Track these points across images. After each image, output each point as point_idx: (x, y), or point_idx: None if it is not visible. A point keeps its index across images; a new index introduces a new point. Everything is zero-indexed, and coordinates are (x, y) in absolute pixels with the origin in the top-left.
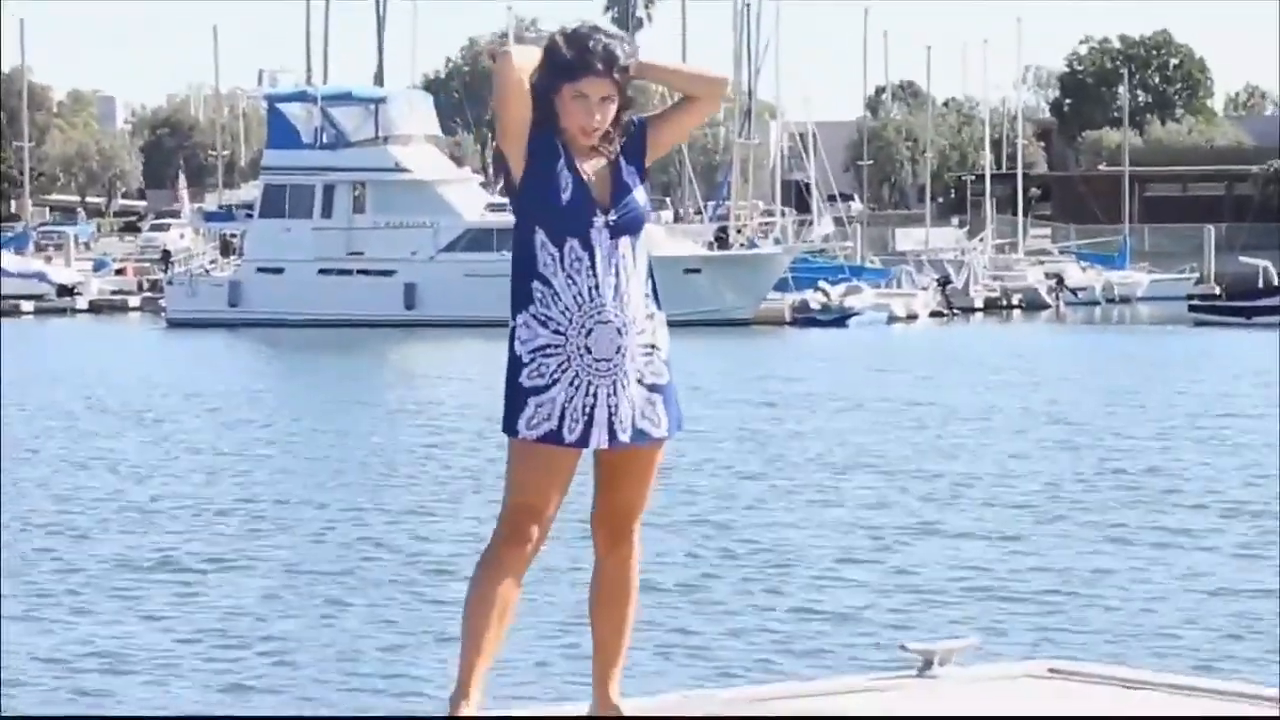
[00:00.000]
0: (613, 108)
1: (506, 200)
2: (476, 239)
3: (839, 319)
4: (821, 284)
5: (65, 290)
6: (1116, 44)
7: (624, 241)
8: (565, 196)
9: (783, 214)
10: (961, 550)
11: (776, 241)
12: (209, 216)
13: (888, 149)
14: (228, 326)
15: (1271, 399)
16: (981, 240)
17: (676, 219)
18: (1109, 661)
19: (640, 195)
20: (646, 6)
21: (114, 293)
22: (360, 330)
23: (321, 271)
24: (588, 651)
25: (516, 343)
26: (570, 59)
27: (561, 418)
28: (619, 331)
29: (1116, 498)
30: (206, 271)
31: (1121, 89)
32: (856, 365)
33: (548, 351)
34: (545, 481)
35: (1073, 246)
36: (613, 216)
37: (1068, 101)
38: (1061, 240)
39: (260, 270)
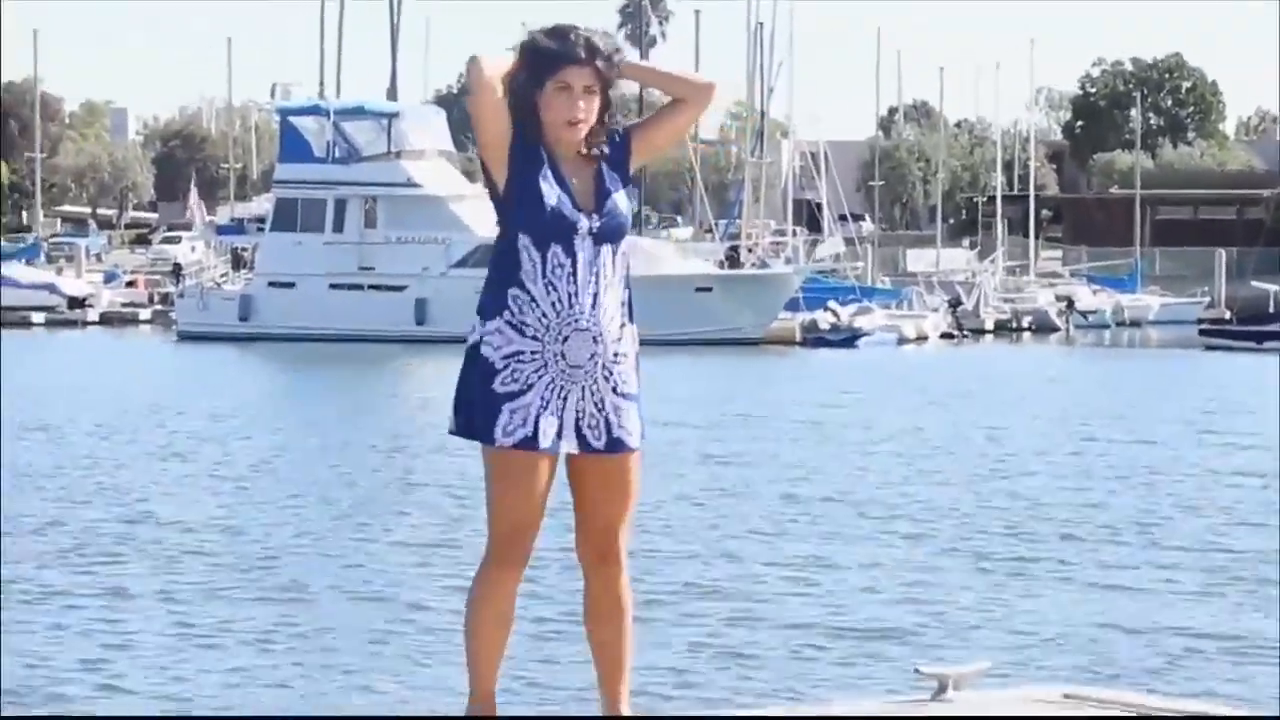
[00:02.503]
0: (596, 101)
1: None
2: (488, 255)
3: (848, 339)
4: (831, 304)
5: (76, 302)
6: (1129, 67)
7: (605, 249)
8: (550, 202)
9: (794, 233)
10: (975, 572)
11: (787, 261)
12: (220, 230)
13: (900, 169)
14: (238, 340)
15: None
16: (992, 262)
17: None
18: (1123, 687)
19: (623, 203)
20: (660, 24)
21: (125, 305)
22: (371, 345)
23: (333, 286)
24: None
25: (487, 349)
26: (552, 50)
27: (536, 423)
28: (594, 340)
29: (1128, 520)
30: (218, 285)
31: (1134, 112)
32: (865, 385)
33: (522, 358)
34: (528, 495)
35: (1084, 269)
36: (596, 223)
37: (1080, 124)
38: (1072, 263)
39: (271, 284)
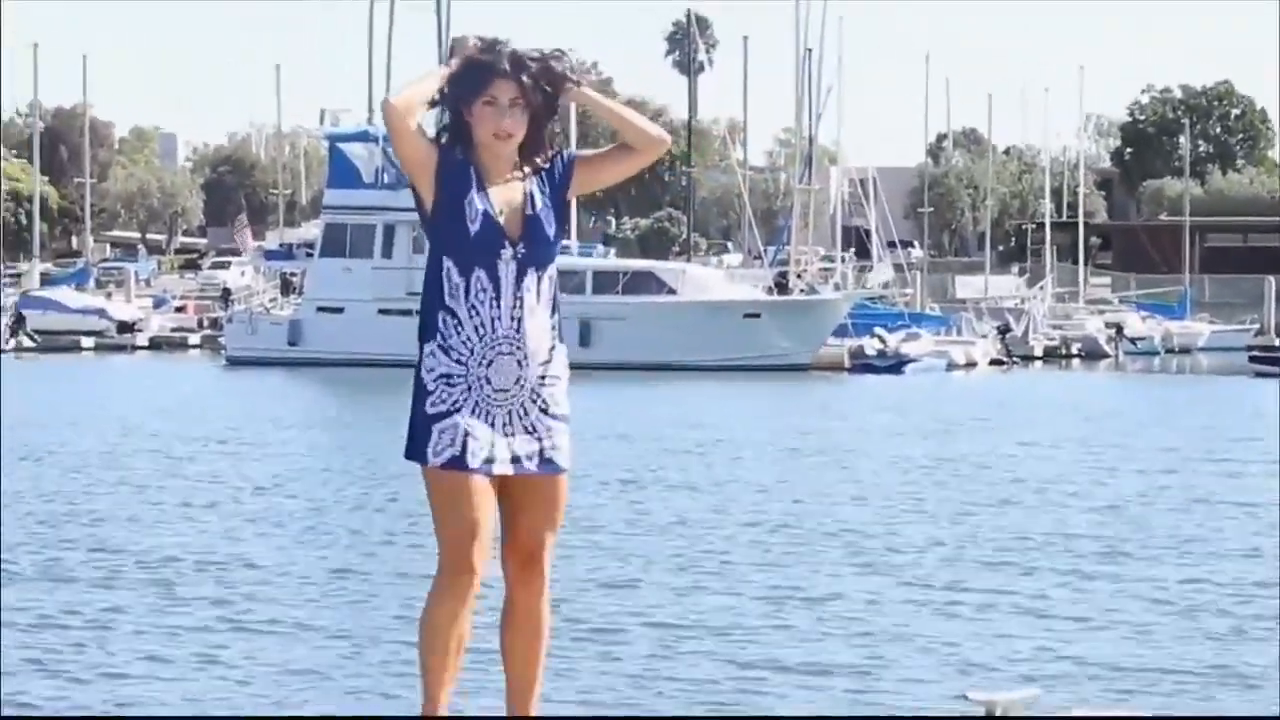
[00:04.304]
0: (523, 115)
1: (564, 243)
2: None
3: (895, 365)
4: (878, 330)
5: (125, 327)
6: (1178, 94)
7: (530, 274)
8: (474, 228)
9: (843, 260)
10: (1025, 597)
11: (836, 287)
12: (269, 255)
13: (948, 196)
14: (287, 365)
15: None
16: (1041, 288)
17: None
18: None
19: (549, 229)
20: (708, 51)
21: (174, 330)
22: None
23: (381, 311)
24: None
25: (423, 370)
26: (478, 64)
27: (464, 444)
28: (519, 364)
29: (1179, 543)
30: (267, 310)
31: (1183, 139)
32: (913, 411)
33: (451, 380)
34: (467, 508)
35: (1133, 296)
36: (521, 249)
37: (1129, 150)
38: (1121, 289)
39: (320, 309)
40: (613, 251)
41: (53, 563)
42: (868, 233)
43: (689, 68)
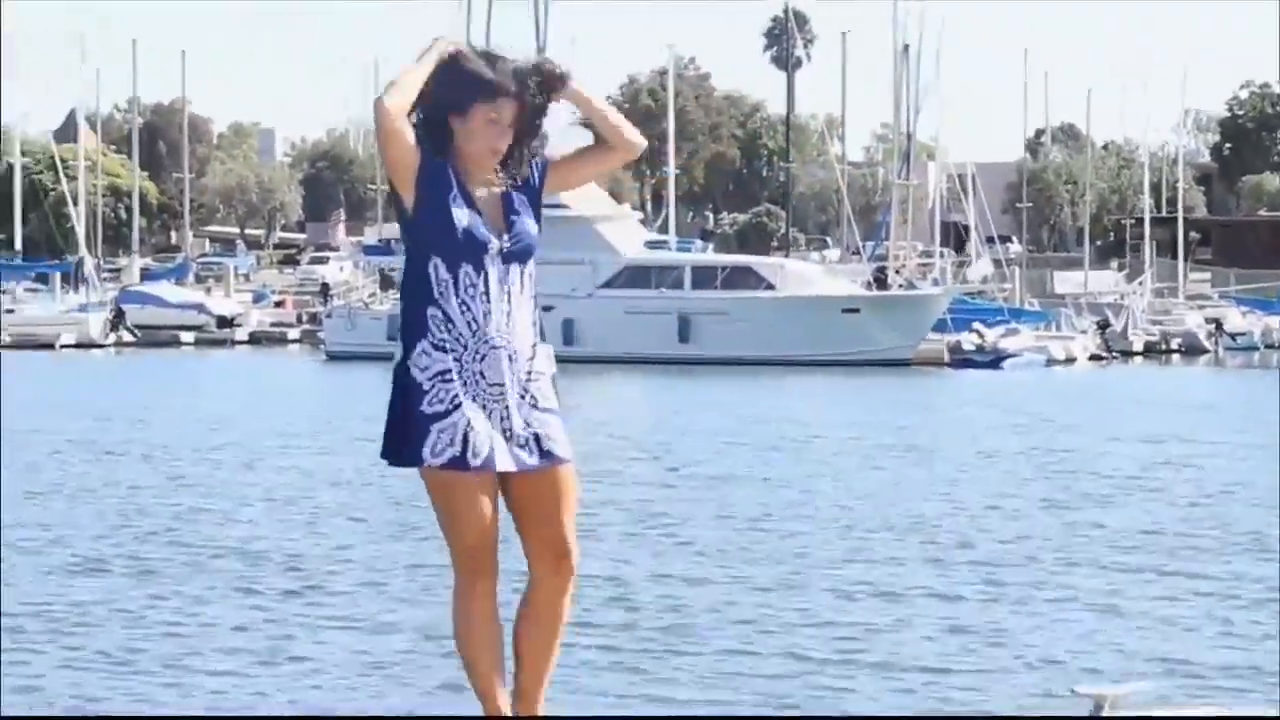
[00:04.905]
0: (512, 131)
1: (663, 238)
2: (635, 276)
3: (994, 361)
4: (976, 325)
5: (225, 322)
6: (1277, 89)
7: (514, 269)
8: (462, 224)
9: (941, 255)
10: (1133, 591)
11: (935, 282)
12: (367, 250)
13: (1047, 191)
14: (386, 360)
15: None
16: (1141, 284)
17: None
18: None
19: (530, 225)
20: (805, 46)
21: (273, 325)
22: None
23: None
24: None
25: (415, 370)
26: (482, 80)
27: (465, 442)
28: (510, 358)
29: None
30: (366, 305)
31: None
32: (1011, 406)
33: (446, 377)
34: (475, 513)
35: (1232, 291)
36: (506, 243)
37: (1228, 146)
38: (1221, 285)
39: None
40: (711, 247)
41: (136, 560)
42: (966, 228)
43: (787, 63)
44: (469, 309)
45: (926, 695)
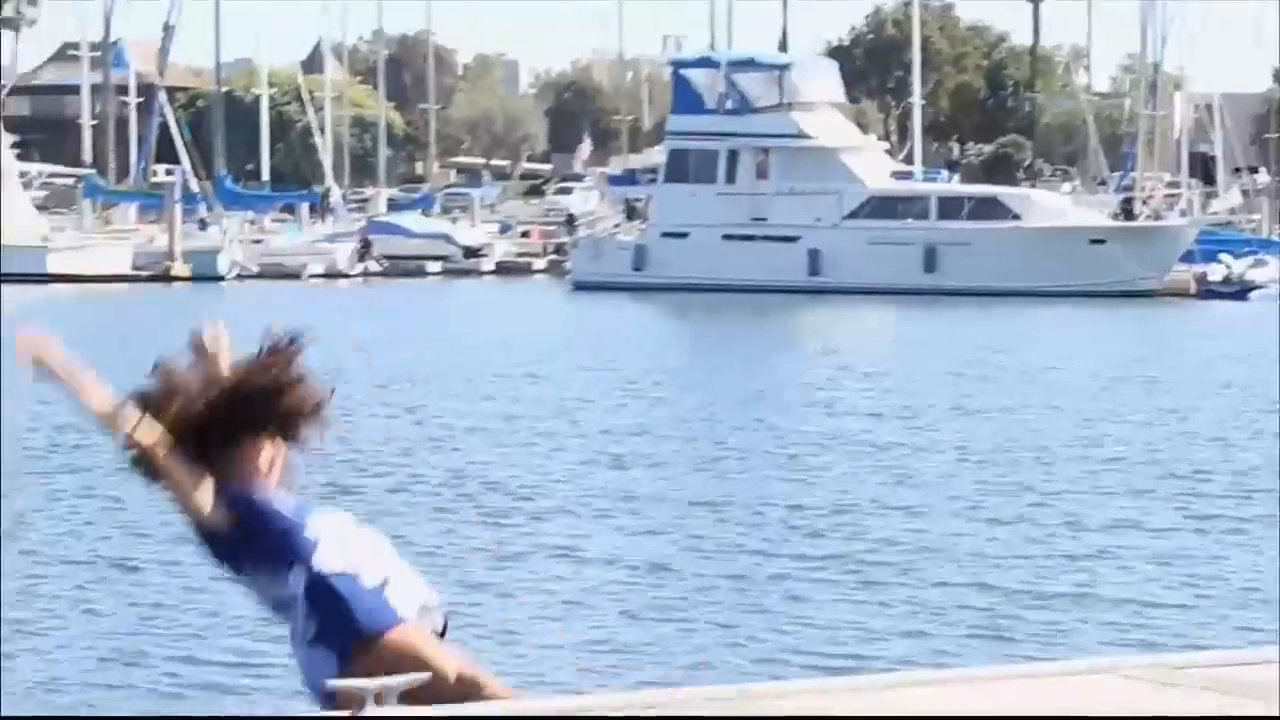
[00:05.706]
0: None
1: (909, 168)
2: (880, 206)
3: (1240, 292)
4: (1223, 256)
5: (471, 252)
6: None
7: None
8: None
9: (1188, 186)
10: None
11: (1182, 214)
12: (613, 180)
13: None
14: (632, 290)
15: None
16: None
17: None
18: None
19: None
20: None
21: (519, 255)
22: (764, 295)
23: (725, 237)
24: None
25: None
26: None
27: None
28: None
29: None
30: (611, 235)
31: None
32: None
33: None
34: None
35: None
36: None
37: None
38: None
39: (665, 235)
40: (956, 178)
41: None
42: (1213, 159)
43: None
44: None
45: (1149, 631)
